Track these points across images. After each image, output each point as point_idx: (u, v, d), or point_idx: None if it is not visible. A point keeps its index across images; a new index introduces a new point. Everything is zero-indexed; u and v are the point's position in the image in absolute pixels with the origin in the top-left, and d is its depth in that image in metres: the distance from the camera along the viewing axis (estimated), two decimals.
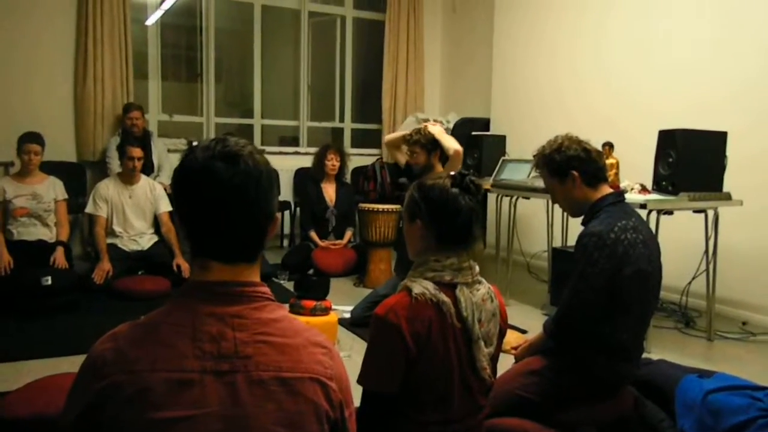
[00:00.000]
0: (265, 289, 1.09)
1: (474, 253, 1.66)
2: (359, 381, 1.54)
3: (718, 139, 3.54)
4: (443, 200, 1.60)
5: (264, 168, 1.06)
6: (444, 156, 3.96)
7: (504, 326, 1.68)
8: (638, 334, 2.18)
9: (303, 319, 3.19)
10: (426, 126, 4.06)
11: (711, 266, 3.65)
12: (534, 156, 2.35)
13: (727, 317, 4.00)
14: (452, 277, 1.58)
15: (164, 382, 0.95)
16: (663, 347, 3.41)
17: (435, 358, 1.53)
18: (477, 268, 1.65)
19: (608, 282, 2.04)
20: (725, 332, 3.74)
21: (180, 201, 1.06)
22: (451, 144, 3.96)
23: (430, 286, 1.55)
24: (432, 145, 3.86)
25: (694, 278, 3.87)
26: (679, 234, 3.77)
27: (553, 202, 2.39)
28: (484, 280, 1.66)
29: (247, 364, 0.99)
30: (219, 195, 1.01)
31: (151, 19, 6.07)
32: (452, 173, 1.65)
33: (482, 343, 1.57)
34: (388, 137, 4.32)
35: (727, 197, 3.55)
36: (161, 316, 1.02)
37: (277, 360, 1.01)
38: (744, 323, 3.90)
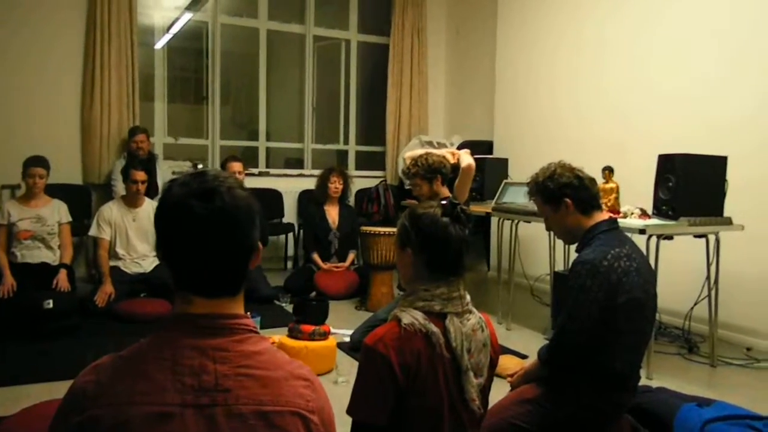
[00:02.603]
0: (248, 320, 1.09)
1: (465, 282, 1.66)
2: (348, 411, 1.54)
3: (718, 163, 3.53)
4: (433, 229, 1.61)
5: (242, 203, 1.05)
6: (446, 180, 3.94)
7: (495, 357, 1.67)
8: (634, 363, 2.16)
9: (301, 344, 3.19)
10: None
11: (713, 292, 3.63)
12: (527, 183, 2.36)
13: (732, 343, 3.96)
14: (442, 306, 1.58)
15: (143, 415, 0.95)
16: (665, 373, 3.38)
17: (425, 389, 1.52)
18: (468, 298, 1.65)
19: (602, 310, 2.04)
20: (729, 358, 3.70)
21: (159, 237, 1.07)
22: (465, 158, 3.91)
23: (419, 316, 1.55)
24: (432, 173, 3.82)
25: (696, 303, 3.84)
26: (681, 258, 3.76)
27: (547, 229, 2.39)
28: (474, 310, 1.66)
29: (227, 397, 0.99)
30: (194, 233, 1.02)
31: (160, 43, 6.17)
32: (443, 202, 1.66)
33: (471, 374, 1.57)
34: (408, 154, 4.24)
35: (728, 222, 3.53)
36: (143, 349, 1.03)
37: (258, 393, 1.01)
38: (748, 349, 3.85)
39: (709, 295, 3.65)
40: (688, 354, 3.81)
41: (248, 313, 3.63)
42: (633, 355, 2.14)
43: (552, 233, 4.48)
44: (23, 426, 2.26)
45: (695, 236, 3.60)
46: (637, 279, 2.09)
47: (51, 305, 3.74)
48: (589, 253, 2.12)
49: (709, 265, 3.61)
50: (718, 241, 3.57)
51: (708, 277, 3.63)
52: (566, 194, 2.20)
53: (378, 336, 1.54)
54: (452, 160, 3.92)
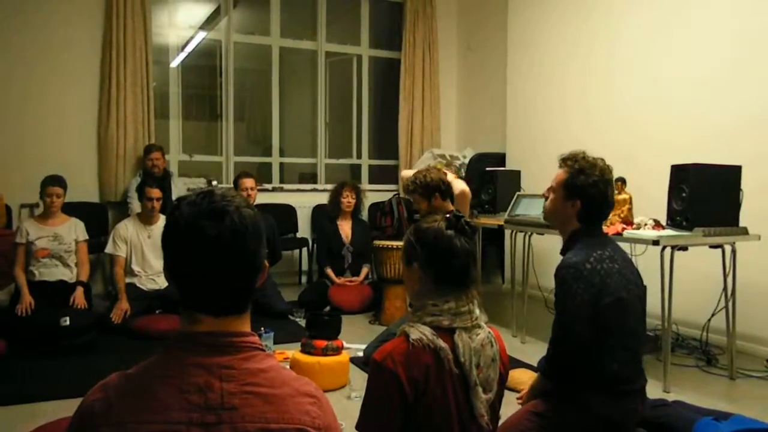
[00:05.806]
0: (254, 338, 1.10)
1: (473, 296, 1.65)
2: (357, 427, 1.54)
3: (733, 173, 3.49)
4: (438, 243, 1.61)
5: (250, 222, 1.06)
6: (446, 196, 3.94)
7: (504, 372, 1.66)
8: (630, 365, 2.13)
9: (314, 359, 3.19)
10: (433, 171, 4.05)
11: (730, 302, 3.57)
12: (564, 155, 2.26)
13: (752, 354, 3.89)
14: (450, 321, 1.58)
15: None
16: (683, 386, 3.34)
17: (433, 405, 1.52)
18: (477, 312, 1.64)
19: (590, 313, 2.05)
20: (749, 370, 3.64)
21: (168, 256, 1.07)
22: (457, 185, 3.97)
23: (427, 332, 1.55)
24: (429, 190, 3.85)
25: (713, 315, 3.78)
26: (697, 269, 3.71)
27: (545, 198, 2.34)
28: (484, 324, 1.65)
29: (233, 415, 0.99)
30: (205, 253, 1.03)
31: (175, 62, 6.26)
32: (447, 215, 1.67)
33: (480, 390, 1.56)
34: (404, 173, 4.33)
35: (744, 232, 3.48)
36: (150, 367, 1.04)
37: (264, 411, 1.01)
38: None
39: (726, 306, 3.59)
40: (706, 366, 3.75)
41: (262, 328, 3.61)
42: (628, 355, 2.12)
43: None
44: None
45: (711, 246, 3.55)
46: (620, 279, 2.11)
47: (68, 322, 3.79)
48: (571, 256, 2.14)
49: (725, 275, 3.56)
50: (734, 251, 3.52)
51: (725, 288, 3.58)
52: (582, 198, 2.17)
53: (386, 352, 1.54)
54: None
